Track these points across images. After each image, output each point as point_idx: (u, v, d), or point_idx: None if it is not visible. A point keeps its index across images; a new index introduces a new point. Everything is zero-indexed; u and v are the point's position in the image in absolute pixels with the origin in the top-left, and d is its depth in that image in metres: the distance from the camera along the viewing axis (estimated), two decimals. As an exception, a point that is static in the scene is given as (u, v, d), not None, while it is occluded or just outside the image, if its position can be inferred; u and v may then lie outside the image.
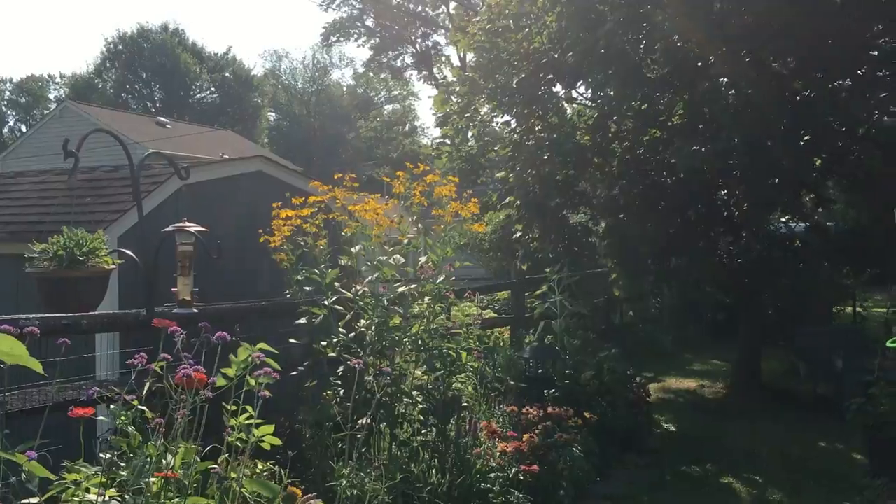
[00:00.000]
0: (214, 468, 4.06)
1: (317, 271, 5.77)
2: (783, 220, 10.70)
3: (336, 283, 5.74)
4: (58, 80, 58.86)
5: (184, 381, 2.74)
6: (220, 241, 3.97)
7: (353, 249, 5.88)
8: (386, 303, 5.78)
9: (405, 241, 5.86)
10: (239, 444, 4.17)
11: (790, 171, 8.49)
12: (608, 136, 9.98)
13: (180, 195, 6.52)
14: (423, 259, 5.81)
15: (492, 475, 4.99)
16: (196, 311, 4.08)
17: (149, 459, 3.34)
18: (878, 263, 10.14)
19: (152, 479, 3.05)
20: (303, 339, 5.84)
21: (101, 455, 3.59)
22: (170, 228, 3.90)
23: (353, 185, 5.97)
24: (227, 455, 4.21)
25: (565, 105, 10.27)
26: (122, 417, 3.15)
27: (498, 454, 5.08)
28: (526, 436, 5.25)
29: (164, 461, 3.43)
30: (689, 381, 11.17)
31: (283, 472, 5.04)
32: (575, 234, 10.12)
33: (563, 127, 9.93)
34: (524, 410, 5.73)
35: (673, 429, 8.34)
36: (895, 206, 8.98)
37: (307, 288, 5.80)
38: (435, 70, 48.54)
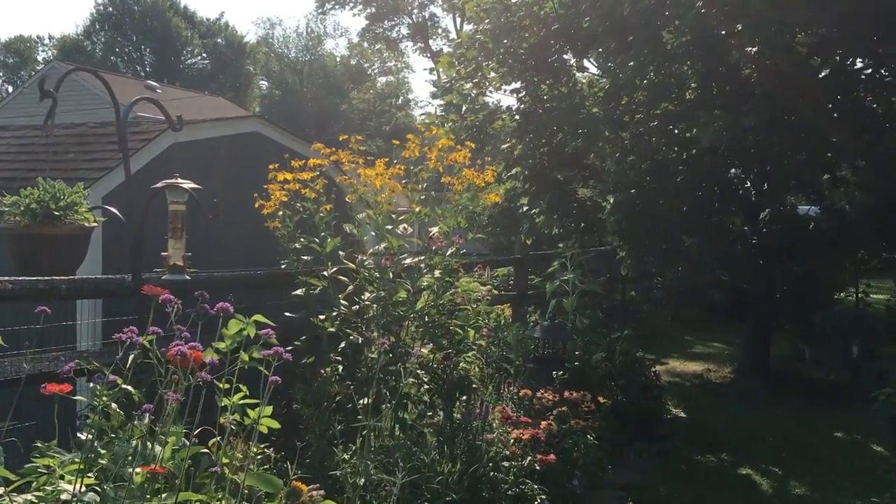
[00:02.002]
0: (206, 452, 3.69)
1: (316, 239, 5.36)
2: (792, 201, 10.33)
3: (341, 252, 5.33)
4: (46, 41, 57.70)
5: (177, 360, 2.32)
6: (216, 199, 3.53)
7: (358, 216, 5.46)
8: (391, 275, 5.39)
9: (416, 210, 5.44)
10: (233, 426, 3.78)
11: (816, 148, 8.12)
12: (619, 107, 9.54)
13: (171, 153, 6.06)
14: (434, 230, 5.40)
15: (505, 464, 4.61)
16: (188, 277, 3.66)
17: (134, 445, 2.96)
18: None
19: (136, 470, 2.64)
20: (300, 311, 5.44)
21: (80, 435, 3.19)
22: (160, 184, 3.46)
23: (359, 148, 5.54)
24: (218, 438, 3.82)
25: (577, 74, 9.81)
26: (104, 398, 2.73)
27: (512, 441, 4.69)
28: (543, 423, 4.86)
29: (149, 448, 3.04)
30: (694, 364, 10.84)
31: (278, 458, 4.67)
32: (584, 208, 9.71)
33: (574, 97, 9.49)
34: (539, 394, 5.35)
35: (683, 414, 7.99)
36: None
37: (305, 257, 5.40)
38: (431, 42, 47.87)
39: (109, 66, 46.76)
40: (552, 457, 4.60)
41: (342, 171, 5.52)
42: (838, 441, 7.25)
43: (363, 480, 4.30)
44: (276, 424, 3.77)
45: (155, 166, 6.01)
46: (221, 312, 2.53)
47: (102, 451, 2.83)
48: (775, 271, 9.25)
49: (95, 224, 3.22)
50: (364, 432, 5.06)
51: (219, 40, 52.77)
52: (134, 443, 2.99)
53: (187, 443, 3.52)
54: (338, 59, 58.40)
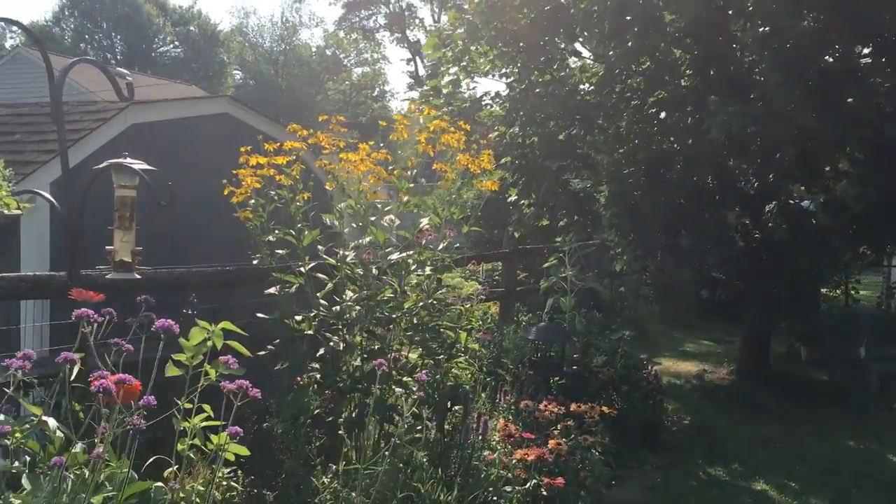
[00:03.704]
0: (160, 486, 3.13)
1: (292, 231, 4.79)
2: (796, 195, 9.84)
3: (319, 247, 4.75)
4: (14, 28, 56.19)
5: (100, 396, 1.73)
6: (171, 183, 2.93)
7: (339, 206, 4.88)
8: (375, 271, 4.82)
9: (405, 199, 4.86)
10: (192, 454, 3.20)
11: (820, 139, 7.65)
12: (613, 95, 9.00)
13: (130, 135, 5.43)
14: (425, 221, 4.83)
15: (507, 489, 4.05)
16: (139, 276, 3.06)
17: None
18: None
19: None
20: (274, 312, 4.87)
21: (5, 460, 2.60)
22: (103, 165, 2.86)
23: (340, 130, 4.96)
24: (175, 467, 3.25)
25: (569, 59, 9.25)
26: (17, 434, 2.13)
27: (514, 462, 4.13)
28: (552, 442, 4.30)
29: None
30: (688, 363, 10.36)
31: (247, 484, 4.09)
32: (576, 200, 9.16)
33: (566, 83, 8.95)
34: (542, 405, 4.79)
35: (686, 420, 7.48)
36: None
37: (280, 251, 4.82)
38: (408, 32, 47.18)
39: (79, 54, 45.57)
40: (560, 480, 4.05)
41: (321, 155, 4.93)
42: (852, 451, 6.77)
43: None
44: (244, 451, 3.21)
45: (111, 149, 5.37)
46: (162, 329, 1.91)
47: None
48: (777, 268, 8.76)
49: (19, 211, 2.61)
50: (345, 450, 4.51)
51: (192, 28, 51.71)
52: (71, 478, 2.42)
53: (135, 475, 2.94)
54: (313, 49, 57.52)
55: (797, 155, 8.05)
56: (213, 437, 3.05)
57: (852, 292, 13.19)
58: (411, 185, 5.02)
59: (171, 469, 3.10)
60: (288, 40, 56.75)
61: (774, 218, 8.17)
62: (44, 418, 2.15)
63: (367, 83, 55.81)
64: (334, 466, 4.02)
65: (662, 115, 8.71)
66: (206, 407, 2.99)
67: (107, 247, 3.01)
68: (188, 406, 2.92)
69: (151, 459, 3.11)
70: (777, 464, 6.25)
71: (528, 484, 4.06)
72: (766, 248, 8.52)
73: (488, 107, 9.52)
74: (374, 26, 49.63)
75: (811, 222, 8.91)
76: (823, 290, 12.32)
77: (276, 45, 56.53)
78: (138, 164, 2.89)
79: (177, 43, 51.71)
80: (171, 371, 3.19)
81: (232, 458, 3.27)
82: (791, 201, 8.41)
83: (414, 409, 4.62)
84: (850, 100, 7.45)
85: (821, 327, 9.38)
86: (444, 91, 9.65)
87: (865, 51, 8.75)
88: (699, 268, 8.51)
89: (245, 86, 55.06)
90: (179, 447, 3.08)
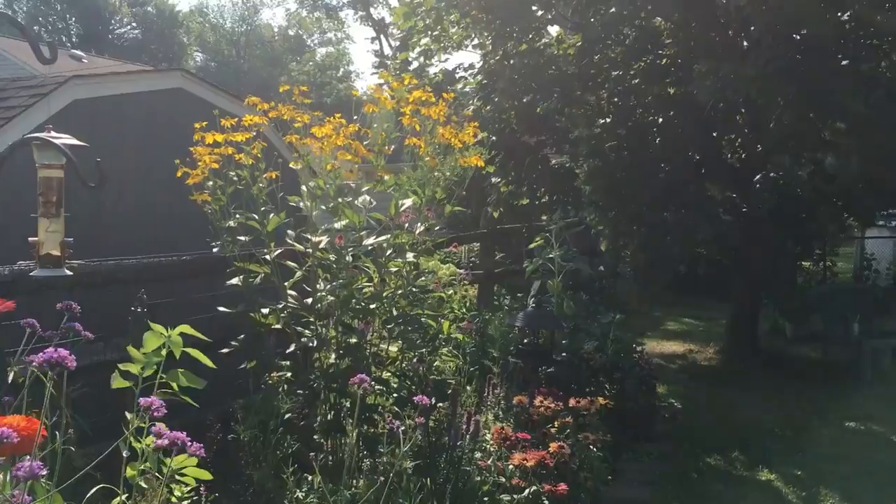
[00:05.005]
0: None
1: (255, 216, 4.32)
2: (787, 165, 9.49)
3: (288, 232, 4.29)
4: (-35, 10, 54.34)
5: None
6: (100, 159, 2.44)
7: (309, 184, 4.40)
8: (350, 258, 4.37)
9: (384, 178, 4.40)
10: (142, 482, 2.75)
11: (814, 105, 7.29)
12: (591, 67, 8.55)
13: (72, 112, 4.88)
14: (408, 202, 4.38)
15: (505, 498, 3.63)
16: (69, 273, 2.56)
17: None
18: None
19: None
20: (238, 305, 4.40)
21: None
22: (18, 140, 2.35)
23: (304, 101, 4.48)
24: (125, 496, 2.79)
25: (546, 29, 8.79)
26: None
27: (512, 469, 3.71)
28: (554, 445, 3.87)
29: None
30: (673, 343, 10.04)
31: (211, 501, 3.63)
32: (557, 177, 8.73)
33: (543, 53, 8.49)
34: (537, 401, 4.37)
35: (678, 405, 7.11)
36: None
37: (242, 238, 4.36)
38: (372, 10, 46.28)
39: (33, 36, 43.96)
40: (563, 486, 3.64)
41: (290, 131, 4.46)
42: (856, 433, 6.46)
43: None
44: (206, 475, 2.76)
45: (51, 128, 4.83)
46: (48, 364, 1.45)
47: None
48: (766, 242, 8.43)
49: None
50: (321, 457, 4.07)
51: (149, 9, 50.35)
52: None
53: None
54: (276, 29, 56.41)
55: (790, 122, 7.69)
56: (167, 460, 2.61)
57: (829, 265, 12.96)
58: (383, 163, 4.56)
59: (118, 498, 2.65)
60: (249, 20, 55.68)
61: (761, 191, 7.81)
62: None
63: (332, 63, 54.89)
64: (309, 478, 3.58)
65: (643, 86, 8.29)
66: (162, 425, 2.54)
67: (30, 238, 2.51)
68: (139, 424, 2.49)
69: (95, 489, 2.66)
70: (779, 450, 5.92)
71: (527, 491, 3.64)
72: (752, 222, 8.17)
73: (462, 80, 9.04)
74: (337, 4, 48.71)
75: (798, 193, 8.60)
76: (803, 264, 12.06)
77: (238, 26, 55.44)
78: (63, 139, 2.40)
79: (134, 24, 50.37)
80: (118, 383, 2.74)
81: (192, 482, 2.83)
82: (781, 173, 8.06)
83: (394, 407, 4.22)
84: (845, 62, 7.07)
85: (807, 303, 9.09)
86: (414, 64, 9.15)
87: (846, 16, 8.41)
88: (687, 244, 8.11)
89: (206, 68, 53.86)
90: (128, 472, 2.63)
